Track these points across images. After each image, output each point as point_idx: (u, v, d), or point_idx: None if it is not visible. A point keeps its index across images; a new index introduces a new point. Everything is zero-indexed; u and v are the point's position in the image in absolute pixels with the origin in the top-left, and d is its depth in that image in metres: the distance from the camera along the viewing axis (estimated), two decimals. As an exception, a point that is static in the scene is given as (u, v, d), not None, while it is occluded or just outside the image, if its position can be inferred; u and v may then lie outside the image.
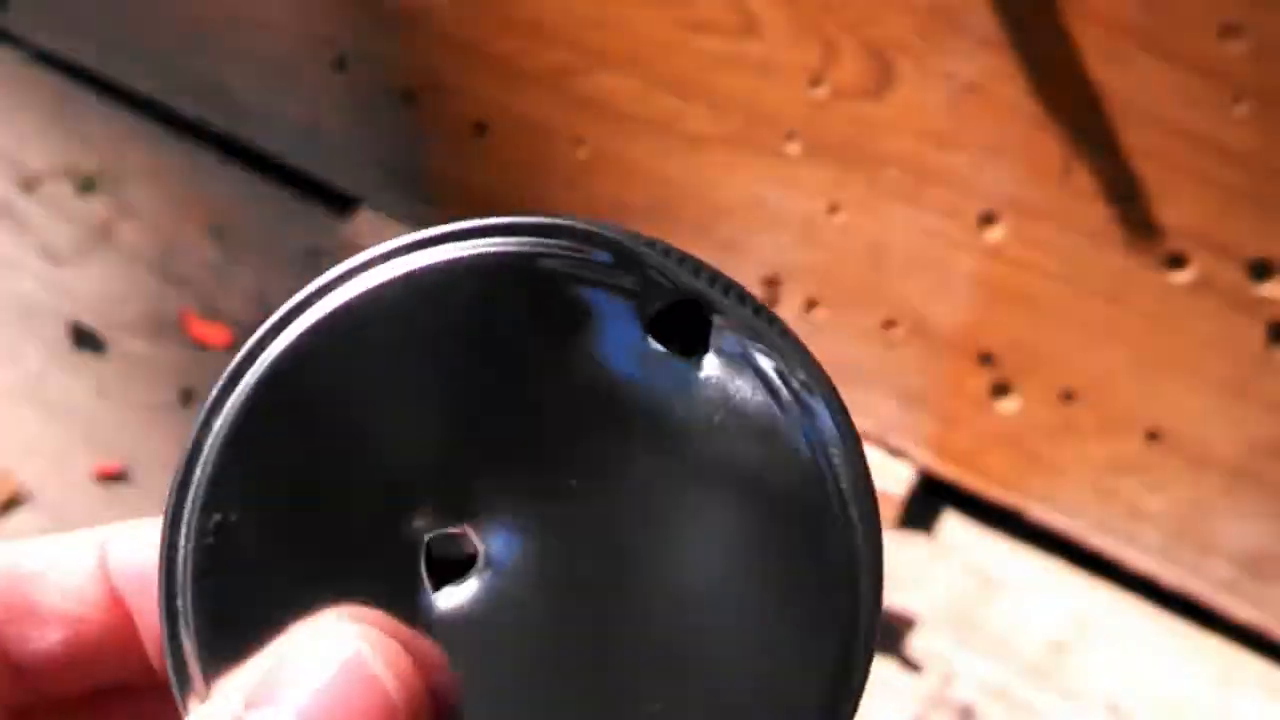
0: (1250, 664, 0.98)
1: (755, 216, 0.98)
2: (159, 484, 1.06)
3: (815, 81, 0.91)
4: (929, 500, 1.04)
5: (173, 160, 1.24)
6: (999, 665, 0.97)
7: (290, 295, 0.25)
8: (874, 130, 0.90)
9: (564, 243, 0.24)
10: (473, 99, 1.05)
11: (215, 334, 1.14)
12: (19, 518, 1.04)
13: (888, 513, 1.02)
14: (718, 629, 0.24)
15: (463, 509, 0.24)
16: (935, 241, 0.93)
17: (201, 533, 0.25)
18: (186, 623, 0.24)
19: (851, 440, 0.25)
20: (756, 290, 1.01)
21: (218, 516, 0.25)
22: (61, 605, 0.26)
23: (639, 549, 0.24)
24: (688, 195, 1.00)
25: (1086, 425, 0.95)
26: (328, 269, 0.25)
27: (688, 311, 0.24)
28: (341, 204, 1.18)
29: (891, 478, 1.01)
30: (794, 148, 0.94)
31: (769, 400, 0.24)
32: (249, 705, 0.22)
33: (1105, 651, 0.98)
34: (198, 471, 0.25)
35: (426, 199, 1.12)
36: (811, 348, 0.24)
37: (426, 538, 0.24)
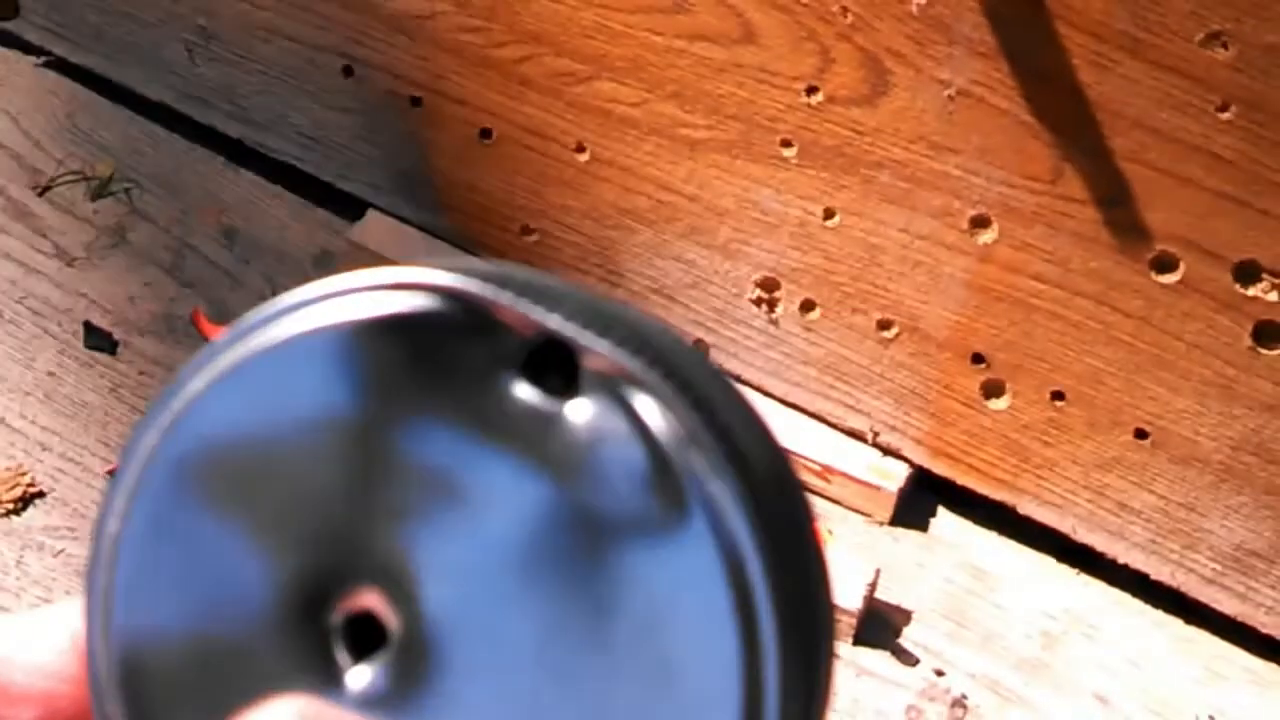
0: (1236, 656, 0.99)
1: (752, 220, 0.99)
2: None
3: (811, 89, 0.92)
4: (922, 497, 1.05)
5: (184, 164, 1.25)
6: (990, 658, 0.99)
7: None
8: (868, 136, 0.92)
9: (423, 299, 0.22)
10: (478, 105, 1.07)
11: (225, 334, 1.15)
12: (32, 514, 1.06)
13: (882, 510, 1.03)
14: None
15: (368, 582, 0.23)
16: (928, 244, 0.94)
17: (121, 640, 0.24)
18: None
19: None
20: (753, 292, 1.03)
21: (135, 621, 0.24)
22: (34, 683, 0.25)
23: (521, 624, 0.22)
24: (686, 199, 1.01)
25: (1076, 424, 0.96)
26: (205, 350, 0.24)
27: (553, 353, 0.22)
28: (350, 207, 1.19)
29: (885, 475, 1.03)
30: (790, 153, 0.95)
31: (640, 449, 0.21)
32: None
33: (1095, 644, 1.00)
34: (115, 573, 0.24)
35: (433, 202, 1.14)
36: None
37: (338, 620, 0.23)
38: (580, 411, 0.22)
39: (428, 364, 0.22)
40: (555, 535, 0.22)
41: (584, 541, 0.22)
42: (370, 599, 0.23)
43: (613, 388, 0.22)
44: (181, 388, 0.24)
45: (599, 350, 0.22)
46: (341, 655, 0.23)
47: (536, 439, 0.22)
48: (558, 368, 0.22)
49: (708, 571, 0.21)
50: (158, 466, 0.24)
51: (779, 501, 0.22)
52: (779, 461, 0.23)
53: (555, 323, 0.22)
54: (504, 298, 0.22)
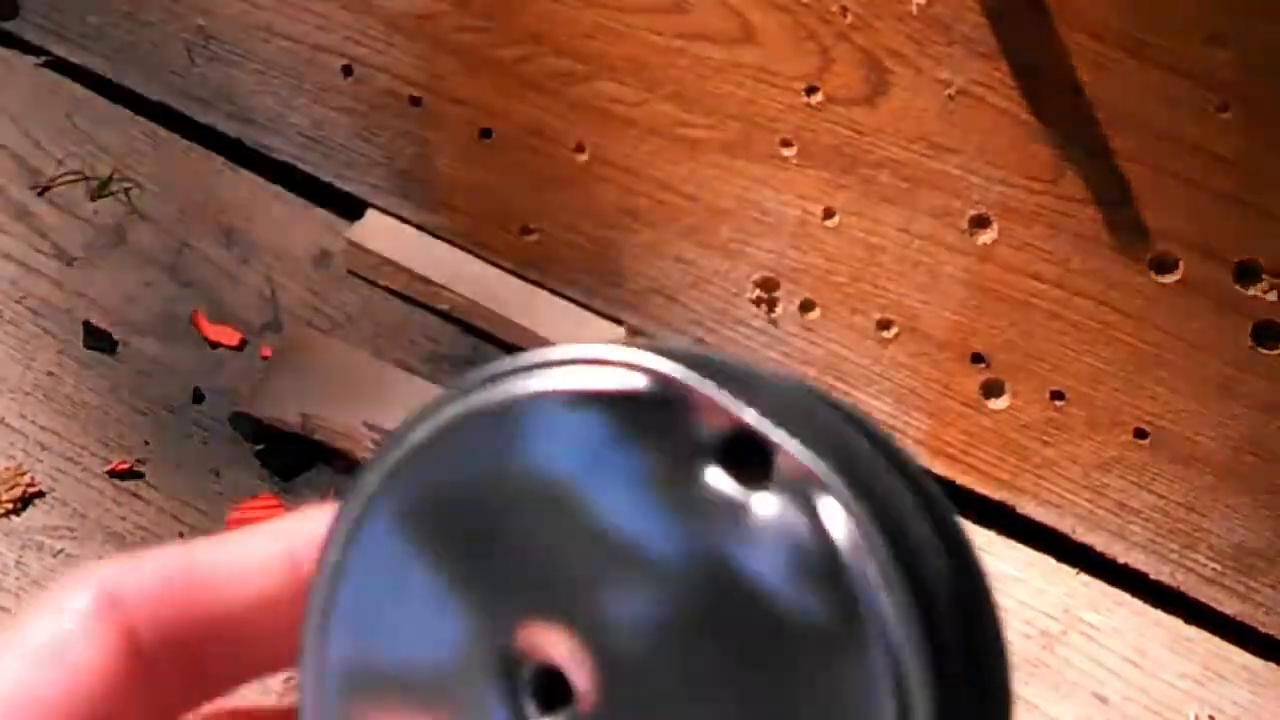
0: (1236, 656, 0.99)
1: (752, 220, 1.00)
2: (171, 481, 1.08)
3: (811, 89, 0.92)
4: (923, 497, 1.05)
5: (184, 164, 1.25)
6: (991, 658, 0.99)
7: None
8: (868, 136, 0.92)
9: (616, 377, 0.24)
10: (478, 105, 1.07)
11: (226, 335, 1.16)
12: (32, 514, 1.06)
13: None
14: None
15: (558, 639, 0.24)
16: (928, 244, 0.94)
17: (333, 663, 0.25)
18: None
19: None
20: (753, 292, 1.03)
21: (346, 653, 0.25)
22: (247, 599, 0.26)
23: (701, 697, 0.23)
24: (686, 199, 1.01)
25: (1076, 424, 0.96)
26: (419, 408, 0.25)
27: (748, 446, 0.23)
28: (350, 207, 1.19)
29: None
30: (790, 153, 0.95)
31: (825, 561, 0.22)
32: None
33: (1094, 644, 1.00)
34: (334, 602, 0.25)
35: (433, 202, 1.14)
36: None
37: (528, 672, 0.24)
38: (767, 505, 0.23)
39: (632, 438, 0.23)
40: (730, 619, 0.23)
41: (756, 630, 0.22)
42: (559, 655, 0.24)
43: (801, 489, 0.22)
44: (406, 435, 0.25)
45: (791, 450, 0.22)
46: (530, 707, 0.24)
47: (723, 525, 0.23)
48: (751, 460, 0.23)
49: (872, 683, 0.22)
50: (379, 507, 0.25)
51: (954, 613, 0.23)
52: (962, 570, 0.24)
53: (753, 418, 0.23)
54: (708, 388, 0.23)
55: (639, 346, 0.24)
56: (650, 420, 0.23)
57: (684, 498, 0.23)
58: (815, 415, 0.24)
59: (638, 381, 0.23)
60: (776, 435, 0.22)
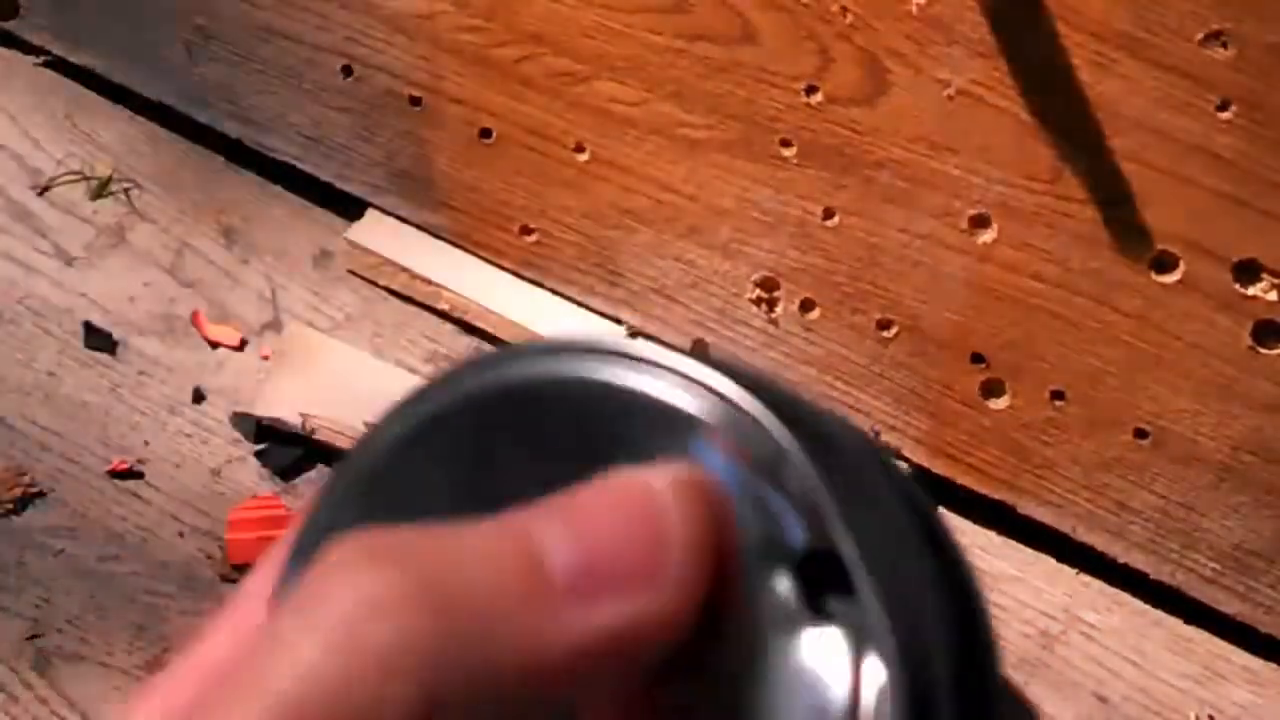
0: (1236, 656, 0.99)
1: (752, 220, 1.00)
2: (171, 482, 1.08)
3: (811, 88, 0.92)
4: (923, 497, 1.05)
5: (184, 164, 1.25)
6: (991, 658, 0.99)
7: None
8: (868, 136, 0.92)
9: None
10: (478, 105, 1.07)
11: (226, 335, 1.16)
12: (32, 514, 1.06)
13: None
14: None
15: None
16: (928, 244, 0.94)
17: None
18: None
19: None
20: (753, 291, 1.03)
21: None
22: None
23: None
24: (686, 199, 1.01)
25: (1076, 423, 0.96)
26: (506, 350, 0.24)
27: (828, 569, 0.22)
28: (350, 207, 1.19)
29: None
30: (790, 153, 0.95)
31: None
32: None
33: (1094, 643, 1.00)
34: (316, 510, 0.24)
35: (433, 202, 1.14)
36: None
37: None
38: (819, 637, 0.22)
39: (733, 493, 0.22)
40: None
41: None
42: None
43: (856, 639, 0.22)
44: (460, 381, 0.24)
45: (866, 601, 0.21)
46: None
47: (771, 629, 0.22)
48: (822, 583, 0.22)
49: None
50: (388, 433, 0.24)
51: None
52: None
53: (849, 553, 0.22)
54: (824, 497, 0.22)
55: (757, 390, 0.22)
56: (744, 485, 0.22)
57: (751, 590, 0.22)
58: (903, 549, 0.22)
59: (758, 439, 0.22)
60: (863, 584, 0.22)
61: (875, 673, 0.21)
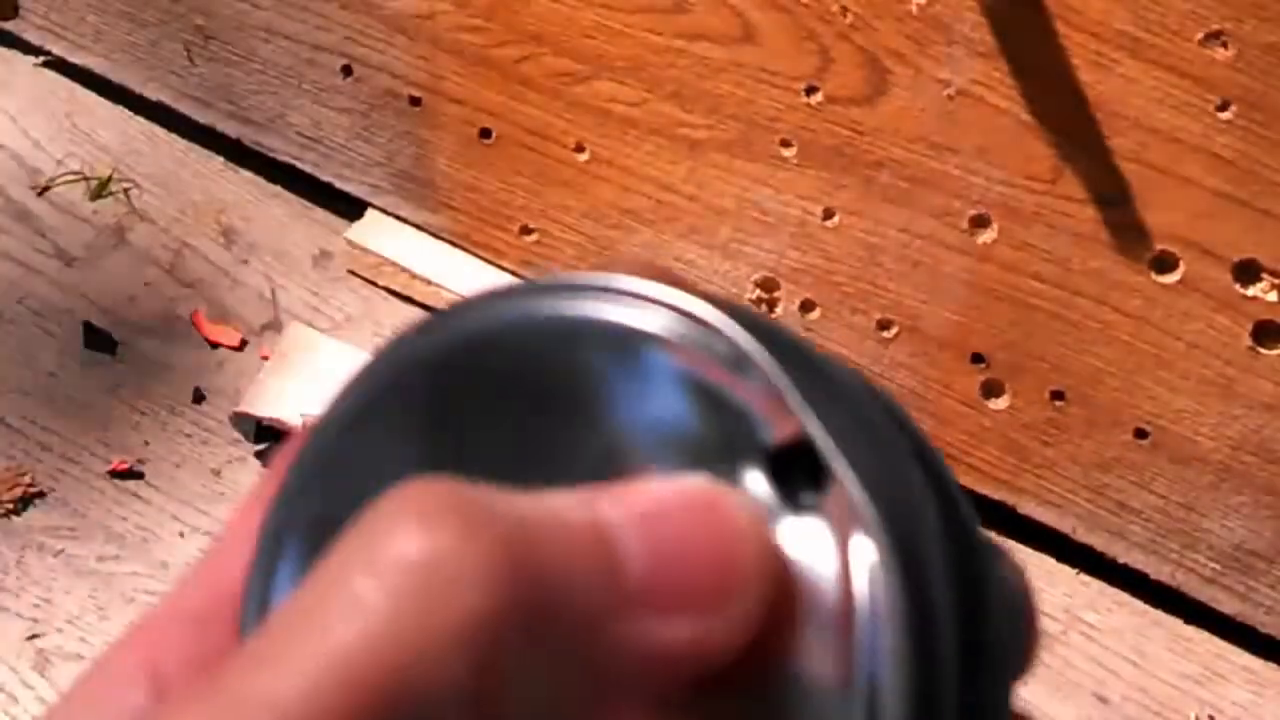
0: (1236, 656, 0.99)
1: (752, 220, 1.00)
2: (171, 482, 1.08)
3: (811, 88, 0.93)
4: (923, 497, 1.05)
5: (184, 164, 1.25)
6: (991, 658, 0.99)
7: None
8: (868, 136, 0.92)
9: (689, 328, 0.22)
10: (478, 105, 1.07)
11: (226, 335, 1.16)
12: (32, 514, 1.06)
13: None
14: None
15: None
16: (928, 244, 0.94)
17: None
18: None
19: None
20: (753, 292, 1.03)
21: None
22: None
23: None
24: (686, 199, 1.01)
25: (1076, 423, 0.96)
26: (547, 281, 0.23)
27: (803, 460, 0.21)
28: (350, 207, 1.19)
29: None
30: (790, 153, 0.95)
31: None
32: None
33: (1094, 643, 1.00)
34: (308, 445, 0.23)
35: (433, 202, 1.14)
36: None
37: None
38: (799, 532, 0.21)
39: (683, 393, 0.22)
40: None
41: (752, 656, 0.21)
42: None
43: (839, 525, 0.21)
44: (457, 319, 0.23)
45: (847, 487, 0.21)
46: None
47: None
48: (798, 477, 0.21)
49: None
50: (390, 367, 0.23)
51: (962, 684, 0.21)
52: (981, 634, 0.22)
53: (820, 438, 0.21)
54: (787, 389, 0.21)
55: (714, 304, 0.22)
56: (711, 388, 0.22)
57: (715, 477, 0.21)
58: (876, 434, 0.22)
59: (717, 346, 0.22)
60: (838, 465, 0.21)
61: (863, 552, 0.21)
